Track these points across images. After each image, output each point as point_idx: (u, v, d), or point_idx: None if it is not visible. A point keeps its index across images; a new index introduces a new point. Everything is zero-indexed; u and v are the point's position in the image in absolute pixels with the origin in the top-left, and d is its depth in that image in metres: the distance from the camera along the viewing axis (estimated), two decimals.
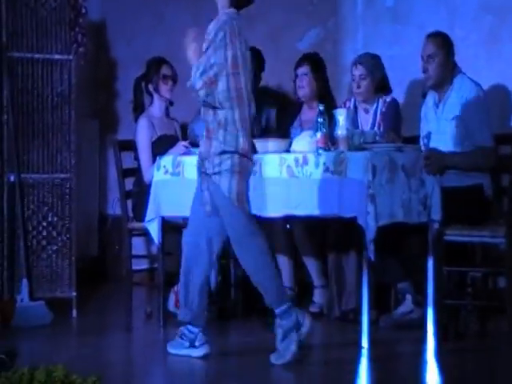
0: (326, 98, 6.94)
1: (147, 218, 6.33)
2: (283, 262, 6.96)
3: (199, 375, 5.60)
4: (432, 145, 6.10)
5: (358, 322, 5.57)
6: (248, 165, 5.58)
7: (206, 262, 5.65)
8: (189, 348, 5.60)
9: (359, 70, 6.65)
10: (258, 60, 7.01)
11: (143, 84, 7.19)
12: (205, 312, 5.72)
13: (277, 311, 5.41)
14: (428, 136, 6.21)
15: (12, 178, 6.79)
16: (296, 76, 7.16)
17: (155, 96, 7.14)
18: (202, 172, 5.62)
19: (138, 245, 7.12)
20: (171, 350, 5.68)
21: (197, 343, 5.60)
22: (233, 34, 5.45)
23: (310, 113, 6.92)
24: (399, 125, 6.71)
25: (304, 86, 7.09)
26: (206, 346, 5.61)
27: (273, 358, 5.37)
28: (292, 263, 7.01)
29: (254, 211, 5.81)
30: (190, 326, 5.63)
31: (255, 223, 5.62)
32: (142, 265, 7.21)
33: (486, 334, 6.02)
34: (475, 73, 6.37)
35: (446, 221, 5.78)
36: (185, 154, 6.41)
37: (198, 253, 5.66)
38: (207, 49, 5.49)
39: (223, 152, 5.48)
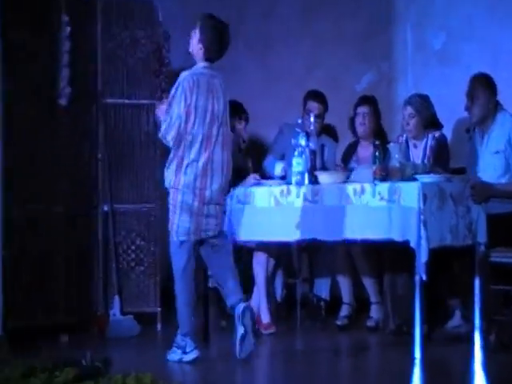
0: (380, 135, 6.92)
1: None
2: (343, 280, 6.92)
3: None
4: (478, 176, 6.03)
5: (411, 335, 5.37)
6: (190, 199, 5.68)
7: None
8: (181, 354, 5.64)
9: (408, 110, 6.56)
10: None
11: None
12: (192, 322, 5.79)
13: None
14: (473, 168, 6.22)
15: (106, 208, 6.86)
16: (355, 115, 7.12)
17: (231, 135, 7.03)
18: None
19: None
20: (169, 358, 5.68)
21: (187, 349, 5.66)
22: (188, 89, 5.67)
23: (366, 150, 6.83)
24: (447, 158, 6.61)
25: (364, 124, 7.01)
26: (195, 352, 5.65)
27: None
28: (351, 281, 6.91)
29: (312, 236, 5.77)
30: (181, 336, 5.70)
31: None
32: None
33: None
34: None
35: (492, 244, 5.62)
36: (254, 184, 6.29)
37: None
38: (169, 104, 5.70)
39: (167, 188, 5.75)
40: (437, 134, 6.62)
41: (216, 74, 5.87)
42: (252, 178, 6.60)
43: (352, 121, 7.20)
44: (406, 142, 6.63)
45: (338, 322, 6.89)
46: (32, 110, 6.41)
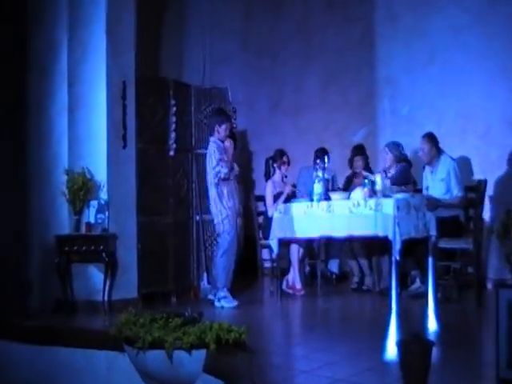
0: (367, 169, 6.85)
1: (270, 238, 6.29)
2: (352, 262, 6.84)
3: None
4: (430, 194, 6.16)
5: (390, 294, 5.50)
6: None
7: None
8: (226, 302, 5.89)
9: (387, 152, 6.60)
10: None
11: (271, 162, 7.03)
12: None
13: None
14: (427, 189, 6.28)
15: (197, 218, 6.89)
16: (353, 160, 7.03)
17: (277, 171, 6.94)
18: None
19: (265, 253, 6.99)
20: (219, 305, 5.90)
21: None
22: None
23: (358, 179, 6.67)
24: (407, 178, 6.50)
25: (359, 166, 6.92)
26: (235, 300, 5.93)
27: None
28: (355, 263, 6.79)
29: (328, 234, 5.97)
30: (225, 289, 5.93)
31: None
32: (267, 264, 7.01)
33: (462, 298, 5.85)
34: (451, 149, 6.31)
35: (439, 235, 5.74)
36: (290, 202, 6.38)
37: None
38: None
39: None
40: (400, 165, 6.53)
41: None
42: (289, 187, 6.74)
43: (350, 160, 7.09)
44: (385, 171, 6.48)
45: (352, 286, 6.79)
46: (153, 157, 6.52)
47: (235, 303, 5.94)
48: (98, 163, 5.94)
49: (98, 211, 5.89)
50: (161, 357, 3.83)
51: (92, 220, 5.89)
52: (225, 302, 5.95)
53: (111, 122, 5.95)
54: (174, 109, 6.66)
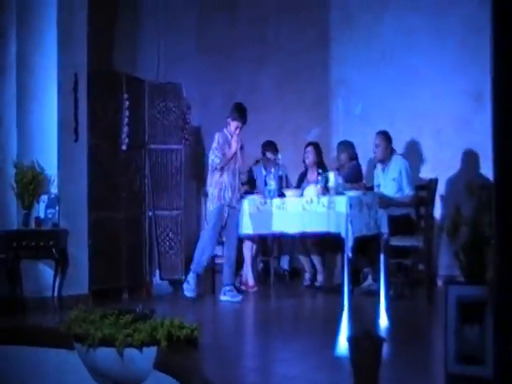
0: (321, 166, 6.79)
1: (223, 234, 6.19)
2: (303, 258, 6.84)
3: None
4: (381, 192, 6.21)
5: (342, 291, 5.52)
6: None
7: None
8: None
9: (340, 151, 6.68)
10: None
11: None
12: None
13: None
14: (378, 187, 6.32)
15: (150, 214, 6.80)
16: (305, 153, 7.01)
17: None
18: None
19: (218, 249, 6.68)
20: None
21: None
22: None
23: (312, 174, 6.77)
24: (359, 177, 6.60)
25: (309, 158, 6.93)
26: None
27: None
28: (308, 259, 6.80)
29: (281, 230, 5.95)
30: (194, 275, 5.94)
31: None
32: (220, 260, 6.57)
33: (413, 295, 5.93)
34: (403, 149, 6.42)
35: (391, 233, 5.79)
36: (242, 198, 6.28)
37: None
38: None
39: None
40: (351, 163, 6.63)
41: None
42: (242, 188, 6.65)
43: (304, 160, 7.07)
44: (338, 170, 6.50)
45: (304, 283, 6.82)
46: (105, 152, 6.42)
47: (194, 294, 5.98)
48: (48, 157, 5.81)
49: (48, 206, 5.75)
50: (111, 354, 3.76)
51: (42, 215, 5.75)
52: (186, 289, 6.04)
53: (62, 115, 5.83)
54: (127, 103, 6.53)
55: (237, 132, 6.09)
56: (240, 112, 6.13)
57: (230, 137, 6.11)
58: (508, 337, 2.96)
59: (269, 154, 6.91)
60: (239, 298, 5.99)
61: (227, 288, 6.04)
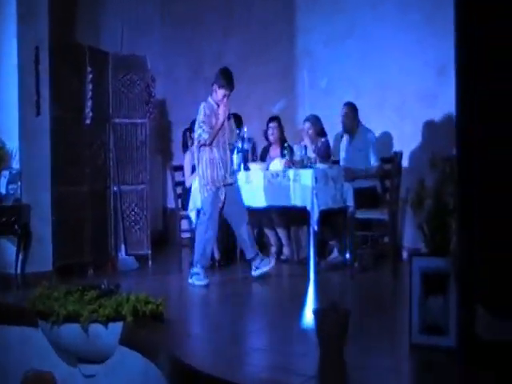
0: (284, 141, 6.68)
1: (189, 209, 6.13)
2: (269, 231, 6.78)
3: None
4: (347, 165, 6.20)
5: (308, 264, 5.58)
6: None
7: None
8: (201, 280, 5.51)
9: (307, 124, 6.57)
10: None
11: (188, 133, 6.86)
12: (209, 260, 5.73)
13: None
14: (344, 160, 6.34)
15: (115, 188, 6.75)
16: (268, 128, 6.95)
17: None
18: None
19: (184, 223, 6.76)
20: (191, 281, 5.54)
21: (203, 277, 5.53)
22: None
23: (275, 150, 6.77)
24: (329, 154, 6.59)
25: (273, 134, 6.88)
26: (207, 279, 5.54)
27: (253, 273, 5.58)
28: (274, 233, 6.76)
29: (249, 204, 5.82)
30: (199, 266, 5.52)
31: None
32: (186, 235, 6.81)
33: (378, 267, 5.97)
34: (369, 122, 6.37)
35: (357, 206, 5.77)
36: None
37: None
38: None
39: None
40: (323, 139, 6.60)
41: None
42: None
43: (266, 132, 7.02)
44: (305, 144, 6.38)
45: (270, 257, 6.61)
46: (68, 126, 6.29)
47: (206, 281, 5.56)
48: (9, 131, 5.69)
49: (10, 181, 5.62)
50: (76, 330, 3.76)
51: (3, 191, 5.62)
52: (196, 280, 5.57)
53: (23, 88, 5.69)
54: (91, 76, 6.41)
55: (224, 100, 5.56)
56: (227, 78, 5.61)
57: (216, 106, 5.59)
58: (470, 307, 3.01)
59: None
60: (272, 263, 5.68)
61: (256, 261, 5.66)
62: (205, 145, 5.53)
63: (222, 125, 5.57)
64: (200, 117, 5.52)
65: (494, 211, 1.04)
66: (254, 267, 5.66)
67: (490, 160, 1.10)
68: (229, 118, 5.71)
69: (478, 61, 1.20)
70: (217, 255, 6.64)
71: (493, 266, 1.03)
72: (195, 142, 5.64)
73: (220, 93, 5.56)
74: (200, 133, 5.50)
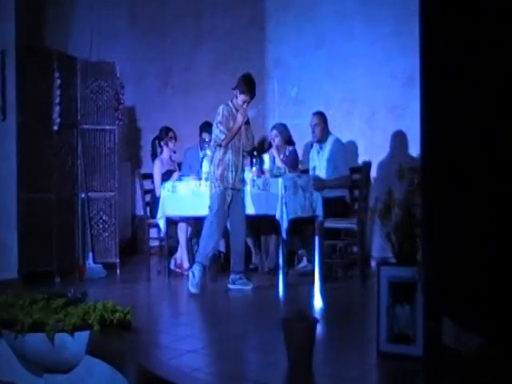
0: (255, 150, 6.49)
1: (158, 217, 6.12)
2: None
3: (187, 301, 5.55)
4: (316, 174, 6.22)
5: (277, 273, 5.61)
6: None
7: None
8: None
9: (274, 132, 6.61)
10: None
11: (157, 141, 6.96)
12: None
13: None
14: (313, 169, 6.34)
15: (83, 195, 6.70)
16: None
17: (164, 148, 6.87)
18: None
19: (152, 232, 6.83)
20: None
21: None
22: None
23: (247, 158, 6.32)
24: (297, 162, 6.66)
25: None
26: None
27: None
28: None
29: None
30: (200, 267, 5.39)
31: None
32: (155, 243, 6.89)
33: (347, 277, 6.01)
34: (338, 132, 6.39)
35: (325, 216, 5.81)
36: (178, 180, 6.34)
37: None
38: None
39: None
40: (291, 148, 6.65)
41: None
42: (176, 174, 6.63)
43: None
44: (273, 152, 6.48)
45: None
46: (35, 131, 6.21)
47: (197, 289, 5.41)
48: None
49: None
50: (41, 340, 3.68)
51: None
52: (191, 285, 5.47)
53: None
54: (59, 81, 6.35)
55: (244, 106, 5.57)
56: (249, 85, 5.56)
57: (234, 110, 5.56)
58: (437, 316, 3.04)
59: (205, 135, 6.79)
60: (250, 286, 5.57)
61: (237, 276, 5.60)
62: (220, 145, 5.52)
63: (239, 130, 5.56)
64: (218, 117, 5.52)
65: (458, 222, 1.05)
66: (231, 280, 5.61)
67: (453, 169, 1.12)
68: (247, 123, 5.67)
69: (442, 72, 1.21)
70: (185, 264, 6.60)
71: (456, 277, 1.04)
72: (211, 142, 5.64)
73: (240, 98, 5.56)
74: (217, 133, 5.52)
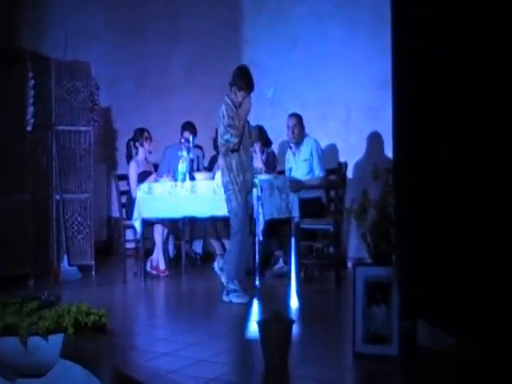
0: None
1: (134, 218, 6.11)
2: (215, 242, 6.75)
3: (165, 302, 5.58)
4: (292, 175, 6.23)
5: (253, 274, 5.52)
6: None
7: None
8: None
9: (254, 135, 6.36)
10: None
11: (132, 143, 6.94)
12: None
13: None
14: (290, 170, 6.35)
15: (58, 197, 6.63)
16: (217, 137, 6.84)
17: (140, 149, 6.82)
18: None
19: (128, 233, 6.75)
20: (231, 300, 4.99)
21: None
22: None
23: None
24: (275, 164, 6.67)
25: None
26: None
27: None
28: (219, 243, 6.68)
29: (192, 214, 5.87)
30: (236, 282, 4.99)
31: None
32: (131, 244, 6.80)
33: (323, 277, 6.01)
34: (314, 133, 6.40)
35: (302, 216, 5.81)
36: (155, 181, 6.32)
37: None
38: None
39: None
40: (269, 150, 6.68)
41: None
42: (153, 176, 6.60)
43: (215, 141, 6.74)
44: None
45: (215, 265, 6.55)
46: (9, 132, 6.16)
47: (246, 299, 4.98)
48: None
49: None
50: (14, 344, 3.63)
51: None
52: (233, 297, 5.01)
53: None
54: (32, 82, 6.28)
55: (245, 102, 5.16)
56: (246, 80, 5.13)
57: (235, 108, 5.13)
58: (412, 316, 3.06)
59: (186, 135, 6.74)
60: (245, 299, 5.02)
61: (231, 287, 5.08)
62: (233, 150, 5.08)
63: (244, 128, 5.17)
64: (225, 120, 5.06)
65: (430, 222, 1.06)
66: (226, 291, 5.13)
67: (424, 170, 1.13)
68: (247, 121, 5.32)
69: (414, 74, 1.23)
70: (162, 266, 6.57)
71: (427, 277, 1.05)
72: (222, 148, 5.15)
73: (240, 95, 5.12)
74: (228, 138, 5.05)
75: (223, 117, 5.07)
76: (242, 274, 5.10)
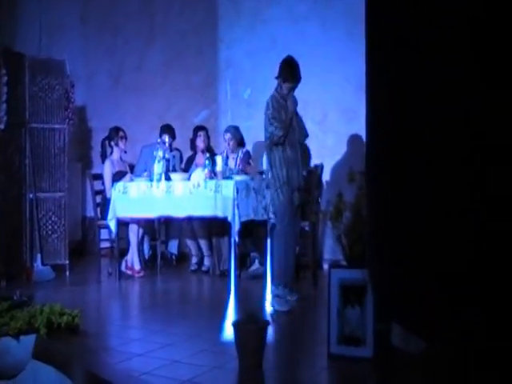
0: (209, 150, 6.79)
1: (108, 218, 6.11)
2: (190, 241, 6.77)
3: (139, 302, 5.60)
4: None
5: (229, 276, 5.53)
6: None
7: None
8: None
9: (228, 135, 6.57)
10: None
11: (107, 142, 6.91)
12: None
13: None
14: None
15: (31, 196, 6.54)
16: (195, 137, 6.90)
17: (115, 148, 6.79)
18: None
19: (103, 233, 6.71)
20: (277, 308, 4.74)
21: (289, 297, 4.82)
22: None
23: (201, 159, 6.57)
24: (249, 163, 6.59)
25: (201, 142, 6.83)
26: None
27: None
28: (195, 242, 6.71)
29: (167, 214, 5.85)
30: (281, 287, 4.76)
31: None
32: (106, 244, 6.79)
33: (300, 279, 5.81)
34: None
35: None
36: (130, 180, 6.30)
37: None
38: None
39: None
40: (244, 149, 6.64)
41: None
42: (128, 176, 6.58)
43: (192, 141, 7.01)
44: (226, 155, 6.47)
45: (191, 267, 6.70)
46: None
47: (287, 307, 4.74)
48: None
49: None
50: None
51: None
52: (276, 303, 4.78)
53: None
54: (5, 78, 6.22)
55: (291, 93, 4.98)
56: (291, 70, 4.95)
57: (282, 100, 4.91)
58: (386, 318, 3.09)
59: (164, 137, 6.72)
60: (287, 308, 4.77)
61: (276, 292, 4.84)
62: (278, 144, 4.81)
63: (291, 121, 4.91)
64: (269, 112, 4.83)
65: (402, 224, 1.06)
66: (272, 295, 4.90)
67: (396, 172, 1.13)
68: (297, 114, 5.06)
69: (387, 75, 1.23)
70: (137, 266, 6.55)
71: (398, 280, 1.05)
72: (267, 141, 4.88)
73: (285, 87, 4.92)
74: (272, 131, 4.79)
75: (268, 108, 4.86)
76: (289, 278, 4.85)
